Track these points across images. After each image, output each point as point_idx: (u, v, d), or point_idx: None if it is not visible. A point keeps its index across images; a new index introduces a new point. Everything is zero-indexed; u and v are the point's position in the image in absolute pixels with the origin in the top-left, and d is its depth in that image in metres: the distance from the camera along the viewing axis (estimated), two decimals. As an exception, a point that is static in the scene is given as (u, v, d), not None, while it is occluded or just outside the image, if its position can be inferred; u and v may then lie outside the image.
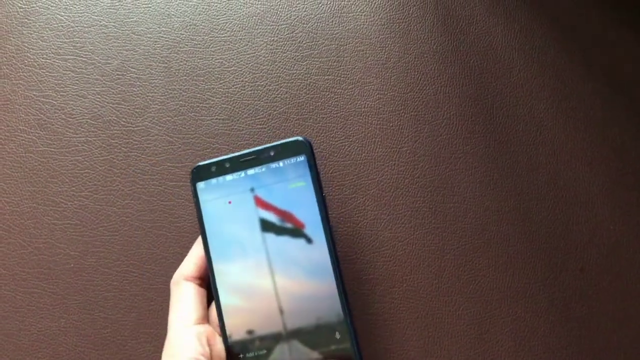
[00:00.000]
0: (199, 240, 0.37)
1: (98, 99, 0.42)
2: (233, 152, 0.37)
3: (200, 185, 0.36)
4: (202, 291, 0.36)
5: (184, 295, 0.35)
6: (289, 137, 0.42)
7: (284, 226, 0.35)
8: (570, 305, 0.41)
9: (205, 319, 0.35)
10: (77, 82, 0.42)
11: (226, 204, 0.36)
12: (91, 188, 0.41)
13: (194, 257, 0.36)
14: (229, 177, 0.36)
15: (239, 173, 0.36)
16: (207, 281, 0.37)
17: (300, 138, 0.35)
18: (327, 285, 0.34)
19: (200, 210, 0.36)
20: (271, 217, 0.35)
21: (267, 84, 0.43)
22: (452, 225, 0.41)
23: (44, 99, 0.42)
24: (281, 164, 0.35)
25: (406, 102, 0.43)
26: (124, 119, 0.42)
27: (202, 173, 0.36)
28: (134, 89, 0.42)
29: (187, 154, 0.42)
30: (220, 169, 0.36)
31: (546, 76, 0.43)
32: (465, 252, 0.41)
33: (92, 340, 0.40)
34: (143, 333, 0.40)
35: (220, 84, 0.42)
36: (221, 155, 0.42)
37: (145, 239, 0.41)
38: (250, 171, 0.36)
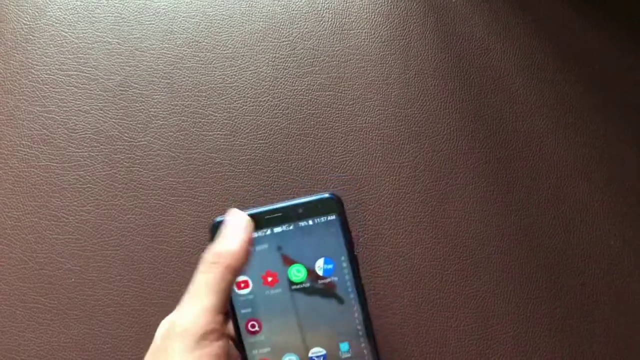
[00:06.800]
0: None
1: (101, 115, 0.42)
2: (255, 207, 0.34)
3: None
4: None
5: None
6: (290, 152, 0.42)
7: (314, 286, 0.34)
8: (571, 319, 0.41)
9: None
10: (80, 97, 0.43)
11: (251, 262, 0.33)
12: (93, 203, 0.41)
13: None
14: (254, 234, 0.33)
15: (264, 230, 0.33)
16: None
17: (330, 195, 0.33)
18: (358, 345, 0.33)
19: None
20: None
21: (268, 99, 0.43)
22: (453, 240, 0.42)
23: (47, 114, 0.42)
24: (310, 222, 0.33)
25: (407, 118, 0.43)
26: (126, 134, 0.42)
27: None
28: (137, 104, 0.43)
29: (189, 169, 0.42)
30: None
31: (545, 92, 0.44)
32: (466, 267, 0.41)
33: (92, 355, 0.40)
34: (143, 348, 0.40)
35: (223, 99, 0.43)
36: (223, 169, 0.42)
37: (146, 253, 0.41)
38: (277, 229, 0.33)
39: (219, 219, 0.33)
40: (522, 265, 0.41)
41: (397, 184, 0.42)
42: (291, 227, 0.34)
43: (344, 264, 0.34)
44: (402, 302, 0.41)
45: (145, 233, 0.41)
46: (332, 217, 0.33)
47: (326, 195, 0.33)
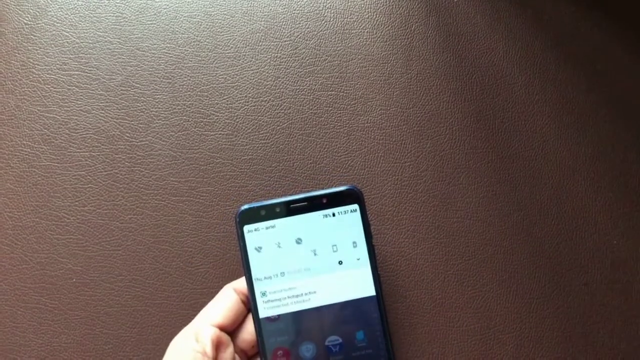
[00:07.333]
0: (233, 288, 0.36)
1: (102, 114, 0.42)
2: (282, 197, 0.36)
3: (247, 228, 0.35)
4: (241, 306, 0.35)
5: (222, 298, 0.35)
6: (292, 152, 0.42)
7: None
8: (574, 320, 0.41)
9: (229, 328, 0.34)
10: (82, 97, 0.43)
11: (275, 250, 0.35)
12: (94, 203, 0.41)
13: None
14: (278, 221, 0.35)
15: (289, 218, 0.35)
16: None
17: (353, 187, 0.35)
18: (373, 334, 0.34)
19: (247, 254, 0.35)
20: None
21: (270, 99, 0.43)
22: (455, 240, 0.41)
23: (48, 114, 0.42)
24: (333, 212, 0.35)
25: (409, 118, 0.43)
26: (127, 134, 0.42)
27: (249, 216, 0.35)
28: (138, 104, 0.42)
29: (191, 169, 0.42)
30: (270, 213, 0.35)
31: (548, 92, 0.44)
32: (468, 267, 0.41)
33: (94, 356, 0.40)
34: (145, 349, 0.40)
35: (224, 99, 0.43)
36: (225, 169, 0.42)
37: (148, 253, 0.41)
38: (301, 217, 0.35)
39: (244, 207, 0.35)
40: (525, 265, 0.41)
41: (399, 184, 0.42)
42: (315, 216, 0.35)
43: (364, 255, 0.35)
44: (404, 302, 0.40)
45: (147, 233, 0.41)
46: (354, 207, 0.35)
47: (349, 187, 0.36)
